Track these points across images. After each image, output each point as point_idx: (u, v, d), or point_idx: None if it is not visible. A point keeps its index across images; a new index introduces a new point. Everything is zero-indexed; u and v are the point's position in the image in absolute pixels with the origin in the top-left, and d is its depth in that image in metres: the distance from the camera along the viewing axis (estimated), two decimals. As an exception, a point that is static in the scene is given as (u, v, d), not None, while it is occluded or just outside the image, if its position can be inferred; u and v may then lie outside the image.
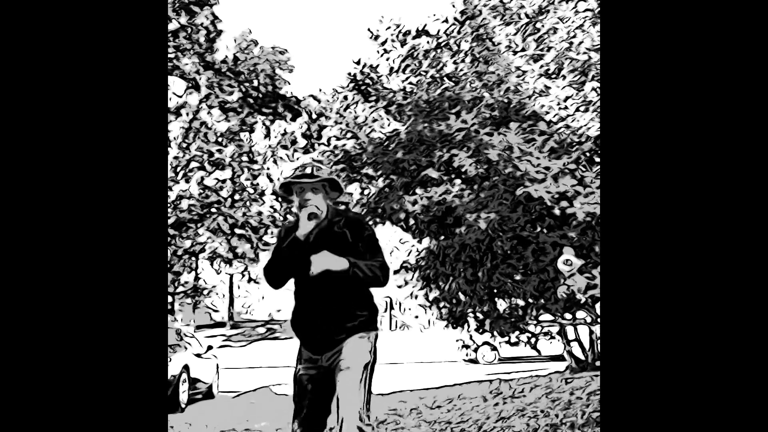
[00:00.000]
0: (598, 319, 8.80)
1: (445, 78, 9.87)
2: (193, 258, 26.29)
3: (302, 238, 3.09)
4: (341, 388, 2.93)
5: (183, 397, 10.51)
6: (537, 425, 5.39)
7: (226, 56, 26.69)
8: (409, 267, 9.72)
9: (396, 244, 11.03)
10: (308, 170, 3.22)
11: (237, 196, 27.83)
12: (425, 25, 10.25)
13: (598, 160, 8.49)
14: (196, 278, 27.98)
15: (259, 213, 27.86)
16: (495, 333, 9.43)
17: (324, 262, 2.97)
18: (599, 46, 7.78)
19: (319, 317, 3.08)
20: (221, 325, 33.64)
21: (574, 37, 9.30)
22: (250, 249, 28.31)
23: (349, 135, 10.35)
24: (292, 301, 3.27)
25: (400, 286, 10.03)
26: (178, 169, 26.10)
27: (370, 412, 2.96)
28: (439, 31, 10.23)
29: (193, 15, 22.49)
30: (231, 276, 32.00)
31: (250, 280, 30.63)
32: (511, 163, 7.91)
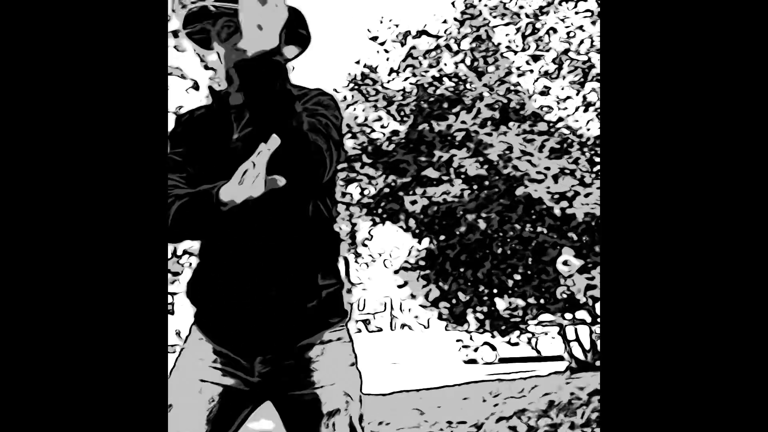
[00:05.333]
0: (598, 319, 8.79)
1: (445, 78, 9.87)
2: (193, 258, 26.24)
3: (233, 200, 1.43)
4: None
5: (183, 397, 10.50)
6: (537, 425, 5.39)
7: (226, 56, 26.69)
8: (409, 267, 9.71)
9: (396, 243, 11.03)
10: None
11: (237, 196, 27.79)
12: (425, 25, 10.26)
13: (598, 160, 8.50)
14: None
15: (259, 213, 27.82)
16: (495, 333, 9.43)
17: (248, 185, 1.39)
18: (599, 47, 7.77)
19: (252, 284, 1.57)
20: (221, 325, 33.48)
21: (574, 37, 9.30)
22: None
23: (349, 135, 10.35)
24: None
25: (400, 286, 10.02)
26: (178, 169, 26.03)
27: None
28: (439, 31, 10.24)
29: (193, 15, 22.47)
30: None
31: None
32: (511, 163, 7.92)
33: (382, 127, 10.35)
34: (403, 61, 10.16)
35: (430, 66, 10.04)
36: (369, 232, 11.17)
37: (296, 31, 1.66)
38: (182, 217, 1.52)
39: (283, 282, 1.58)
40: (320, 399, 1.57)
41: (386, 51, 10.41)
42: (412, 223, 8.94)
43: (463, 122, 8.47)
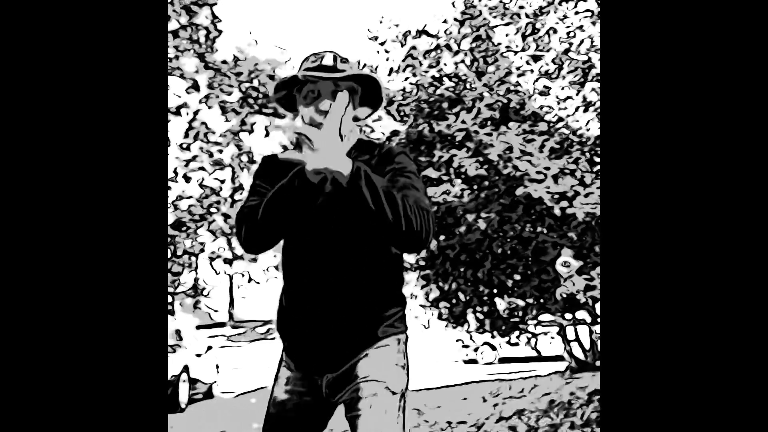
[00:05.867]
0: (598, 319, 8.79)
1: (445, 78, 9.87)
2: (193, 258, 26.25)
3: (315, 177, 1.67)
4: (371, 426, 1.76)
5: (183, 397, 10.51)
6: (537, 425, 5.39)
7: (226, 57, 26.67)
8: (409, 267, 9.72)
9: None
10: (327, 60, 1.86)
11: (237, 196, 27.81)
12: (425, 26, 10.25)
13: (598, 160, 8.50)
14: (196, 278, 27.96)
15: (260, 213, 27.73)
16: (495, 333, 9.42)
17: (330, 158, 1.61)
18: (599, 47, 7.77)
19: (323, 315, 1.87)
20: (221, 325, 33.61)
21: (574, 37, 9.29)
22: (250, 249, 28.20)
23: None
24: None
25: (400, 286, 10.00)
26: (178, 169, 26.05)
27: None
28: (439, 31, 10.23)
29: (193, 15, 22.45)
30: (231, 276, 32.01)
31: (250, 280, 30.64)
32: (511, 163, 7.92)
33: (382, 127, 10.36)
34: (403, 61, 10.16)
35: (430, 66, 10.04)
36: (369, 232, 11.15)
37: (370, 95, 1.96)
38: (273, 205, 1.74)
39: (349, 313, 1.87)
40: (363, 388, 1.82)
41: (386, 51, 10.40)
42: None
43: (463, 122, 8.47)
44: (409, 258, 9.94)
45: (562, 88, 9.44)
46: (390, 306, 1.92)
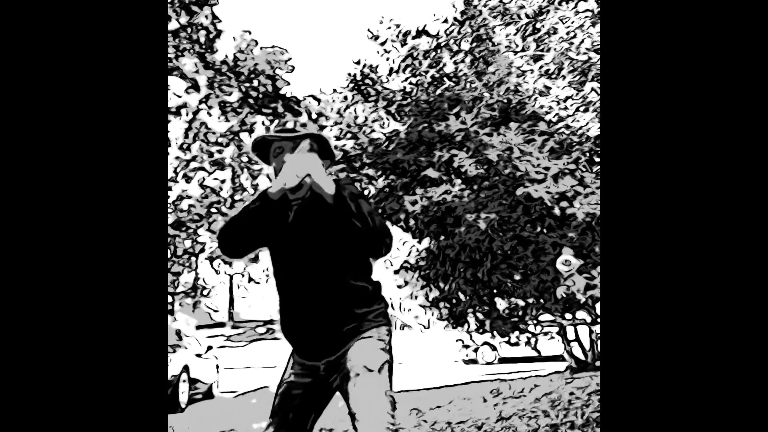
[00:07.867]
0: (598, 319, 8.79)
1: (445, 78, 9.87)
2: (193, 258, 26.26)
3: (275, 196, 2.35)
4: (359, 397, 2.26)
5: (183, 397, 10.51)
6: (537, 425, 5.39)
7: (226, 56, 26.69)
8: (409, 267, 9.72)
9: (396, 244, 11.02)
10: (289, 125, 2.58)
11: (237, 196, 27.81)
12: (425, 26, 10.25)
13: (598, 160, 8.50)
14: (196, 278, 27.97)
15: (260, 213, 27.67)
16: (495, 333, 9.42)
17: (301, 166, 2.31)
18: (599, 46, 7.77)
19: (313, 316, 2.40)
20: (221, 325, 33.66)
21: (574, 37, 9.29)
22: (249, 249, 28.12)
23: (349, 135, 10.36)
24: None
25: (400, 286, 10.03)
26: (178, 169, 26.06)
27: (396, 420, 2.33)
28: (439, 31, 10.24)
29: (193, 15, 22.43)
30: (231, 276, 32.05)
31: (250, 280, 30.66)
32: (511, 163, 7.92)
33: (382, 126, 10.35)
34: (403, 61, 10.16)
35: (430, 66, 10.05)
36: (369, 232, 11.16)
37: (324, 150, 2.59)
38: (241, 218, 2.41)
39: (337, 312, 2.40)
40: (350, 371, 2.33)
41: (386, 51, 10.41)
42: (412, 223, 8.94)
43: (463, 122, 8.47)
44: (410, 258, 9.95)
45: (562, 88, 9.44)
46: (370, 304, 2.44)
